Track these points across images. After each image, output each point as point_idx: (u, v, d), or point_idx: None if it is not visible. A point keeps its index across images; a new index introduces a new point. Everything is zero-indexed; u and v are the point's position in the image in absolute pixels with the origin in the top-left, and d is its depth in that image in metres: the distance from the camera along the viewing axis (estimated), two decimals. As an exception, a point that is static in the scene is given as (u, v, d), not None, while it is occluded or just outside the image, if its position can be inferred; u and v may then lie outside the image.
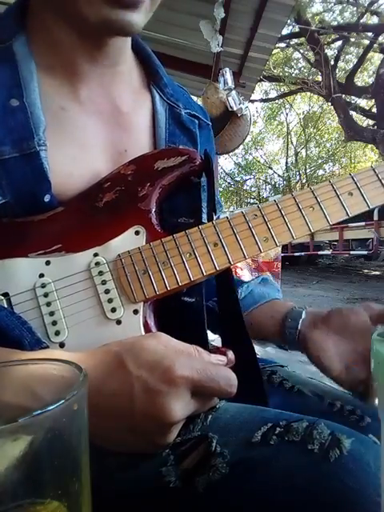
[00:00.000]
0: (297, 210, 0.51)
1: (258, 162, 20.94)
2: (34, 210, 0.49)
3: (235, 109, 2.81)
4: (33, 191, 0.48)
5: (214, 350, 0.48)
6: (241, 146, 3.23)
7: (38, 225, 0.49)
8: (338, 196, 0.51)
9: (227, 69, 2.98)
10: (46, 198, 0.48)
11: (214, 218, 0.57)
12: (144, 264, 0.48)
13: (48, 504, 0.21)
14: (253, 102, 13.58)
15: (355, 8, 9.75)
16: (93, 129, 0.55)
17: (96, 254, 0.49)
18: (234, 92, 2.84)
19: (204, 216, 0.57)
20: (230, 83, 2.94)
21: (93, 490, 0.25)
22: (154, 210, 0.51)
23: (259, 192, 20.27)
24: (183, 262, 0.48)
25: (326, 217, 0.51)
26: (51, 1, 0.50)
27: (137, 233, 0.50)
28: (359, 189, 0.52)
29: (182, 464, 0.36)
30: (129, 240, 0.49)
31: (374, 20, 9.65)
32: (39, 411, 0.20)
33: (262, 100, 15.20)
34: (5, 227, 0.49)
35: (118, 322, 0.47)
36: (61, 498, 0.22)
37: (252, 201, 19.83)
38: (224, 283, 0.57)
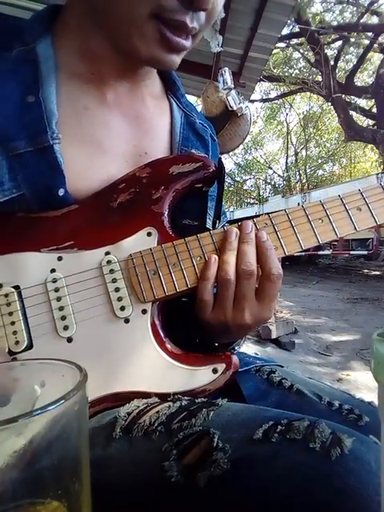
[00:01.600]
0: (306, 221, 0.52)
1: (258, 161, 20.94)
2: (49, 204, 0.50)
3: (235, 108, 2.80)
4: (47, 185, 0.49)
5: (220, 355, 0.49)
6: (241, 146, 3.23)
7: (51, 220, 0.50)
8: (347, 210, 0.53)
9: (226, 68, 2.98)
10: (60, 192, 0.49)
11: (217, 224, 0.58)
12: (155, 265, 0.49)
13: (48, 504, 0.21)
14: (253, 101, 13.58)
15: (355, 8, 9.75)
16: (115, 129, 0.57)
17: (108, 253, 0.49)
18: (233, 91, 2.84)
19: (209, 222, 0.58)
20: (230, 83, 2.94)
21: (93, 486, 0.25)
22: (166, 212, 0.52)
23: (259, 192, 20.26)
24: (194, 265, 0.49)
25: (334, 230, 0.52)
26: (94, 14, 0.53)
27: (149, 234, 0.51)
28: (368, 205, 0.53)
29: (184, 459, 0.37)
30: (141, 240, 0.50)
31: (374, 20, 9.65)
32: (39, 411, 0.20)
33: (262, 100, 15.20)
34: (19, 221, 0.49)
35: (127, 320, 0.48)
36: (61, 498, 0.22)
37: (252, 201, 19.82)
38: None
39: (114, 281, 0.48)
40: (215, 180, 0.57)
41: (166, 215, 0.52)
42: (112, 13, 0.49)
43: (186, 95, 0.70)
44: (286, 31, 9.87)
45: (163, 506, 0.37)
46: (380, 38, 9.18)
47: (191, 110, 0.68)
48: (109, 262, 0.49)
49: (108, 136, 0.56)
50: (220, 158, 0.58)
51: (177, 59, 0.53)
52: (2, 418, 0.19)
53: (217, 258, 0.49)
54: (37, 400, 0.27)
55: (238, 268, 0.49)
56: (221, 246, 0.50)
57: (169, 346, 0.49)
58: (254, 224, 0.51)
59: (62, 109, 0.52)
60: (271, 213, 0.53)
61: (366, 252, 9.08)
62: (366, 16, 9.53)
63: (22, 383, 0.29)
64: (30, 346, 0.46)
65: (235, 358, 0.48)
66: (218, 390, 0.47)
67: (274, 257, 0.50)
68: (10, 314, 0.46)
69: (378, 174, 7.38)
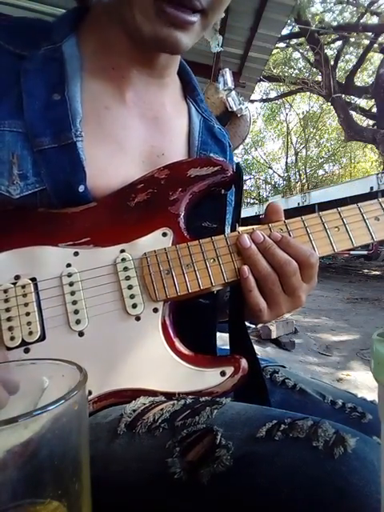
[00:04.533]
0: (322, 229, 0.51)
1: (258, 161, 20.95)
2: (69, 199, 0.51)
3: (235, 109, 2.80)
4: (68, 180, 0.50)
5: (229, 358, 0.49)
6: (241, 146, 3.22)
7: (70, 217, 0.51)
8: (365, 220, 0.52)
9: (227, 69, 2.98)
10: (81, 189, 0.51)
11: (237, 228, 0.58)
12: (168, 265, 0.49)
13: (48, 504, 0.21)
14: (253, 102, 13.58)
15: (355, 8, 9.74)
16: (134, 130, 0.58)
17: (123, 251, 0.50)
18: (233, 92, 2.83)
19: (228, 226, 0.59)
20: (230, 83, 2.93)
21: (94, 482, 0.25)
22: (182, 214, 0.53)
23: (259, 192, 20.28)
24: (207, 267, 0.50)
25: (350, 239, 0.52)
26: (110, 8, 0.55)
27: (164, 234, 0.51)
28: None
29: (187, 456, 0.37)
30: (156, 240, 0.51)
31: (374, 20, 9.65)
32: (39, 411, 0.20)
33: (261, 100, 15.21)
34: (39, 216, 0.51)
35: (138, 318, 0.48)
36: (61, 498, 0.22)
37: (252, 201, 19.83)
38: (237, 291, 0.56)
39: (128, 278, 0.49)
40: (233, 184, 0.57)
41: (182, 217, 0.53)
42: (120, 1, 0.51)
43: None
44: (286, 31, 9.88)
45: (166, 503, 0.37)
46: (380, 38, 9.18)
47: (209, 114, 0.68)
48: (123, 259, 0.49)
49: (127, 136, 0.57)
50: (238, 163, 0.58)
51: (183, 38, 0.52)
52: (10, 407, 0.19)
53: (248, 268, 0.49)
54: (44, 391, 0.27)
55: (276, 265, 0.49)
56: (244, 252, 0.50)
57: (178, 345, 0.49)
58: (270, 229, 0.51)
59: (84, 108, 0.53)
60: (287, 219, 0.52)
61: (365, 252, 9.08)
62: (365, 16, 9.53)
63: (23, 382, 0.29)
64: (42, 338, 0.47)
65: (244, 362, 0.47)
66: (227, 394, 0.46)
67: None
68: (26, 304, 0.47)
69: (378, 174, 7.38)
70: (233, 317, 0.56)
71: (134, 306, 0.48)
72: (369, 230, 0.52)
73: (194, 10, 0.51)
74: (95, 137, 0.54)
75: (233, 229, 0.57)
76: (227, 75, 2.94)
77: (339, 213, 0.52)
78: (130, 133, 0.57)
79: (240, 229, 0.52)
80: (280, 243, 0.50)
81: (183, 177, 0.54)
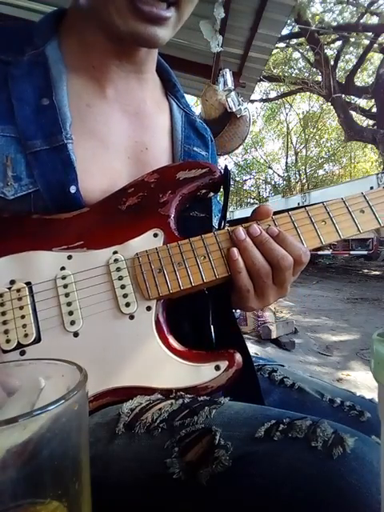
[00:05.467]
0: (309, 223, 0.53)
1: (258, 161, 20.94)
2: (61, 201, 0.52)
3: (234, 110, 2.80)
4: (60, 181, 0.52)
5: (223, 353, 0.49)
6: (240, 146, 3.22)
7: (63, 222, 0.52)
8: (350, 213, 0.53)
9: (227, 70, 2.98)
10: (72, 189, 0.52)
11: (223, 225, 0.59)
12: (160, 263, 0.50)
13: (48, 504, 0.21)
14: (253, 101, 13.58)
15: (355, 8, 9.74)
16: (117, 125, 0.59)
17: (115, 252, 0.51)
18: (233, 93, 2.83)
19: (215, 217, 0.60)
20: (230, 84, 2.93)
21: (94, 482, 0.25)
22: (173, 215, 0.54)
23: (259, 192, 20.27)
24: (197, 263, 0.51)
25: (337, 231, 0.53)
26: (85, 7, 0.55)
27: (155, 235, 0.52)
28: (371, 207, 0.54)
29: (186, 456, 0.37)
30: (147, 241, 0.52)
31: (374, 20, 9.65)
32: (39, 411, 0.20)
33: (261, 100, 15.20)
34: (34, 222, 0.52)
35: (131, 316, 0.49)
36: (61, 498, 0.22)
37: (252, 201, 19.83)
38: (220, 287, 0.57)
39: (121, 278, 0.50)
40: (221, 186, 0.58)
41: (172, 218, 0.54)
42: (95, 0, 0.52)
43: (186, 95, 0.72)
44: (286, 31, 9.88)
45: (165, 503, 0.37)
46: (380, 38, 9.18)
47: (190, 109, 0.69)
48: (116, 260, 0.51)
49: (110, 132, 0.58)
50: (226, 166, 0.59)
51: (159, 32, 0.52)
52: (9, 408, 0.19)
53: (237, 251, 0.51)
54: (41, 392, 0.27)
55: (273, 261, 0.50)
56: (240, 246, 0.51)
57: (172, 342, 0.50)
58: (258, 226, 0.52)
59: (70, 109, 0.54)
60: (274, 215, 0.53)
61: (365, 252, 9.08)
62: (365, 16, 9.53)
63: (23, 382, 0.29)
64: (38, 339, 0.48)
65: (238, 356, 0.48)
66: (222, 389, 0.47)
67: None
68: (21, 308, 0.48)
69: (378, 174, 7.37)
70: (218, 308, 0.56)
71: (128, 304, 0.49)
72: (354, 222, 0.53)
73: (168, 2, 0.51)
74: (79, 135, 0.55)
75: (220, 225, 0.59)
76: (227, 76, 2.94)
77: (325, 207, 0.53)
78: (113, 128, 0.58)
79: (228, 228, 0.53)
80: (276, 238, 0.51)
81: (172, 180, 0.55)
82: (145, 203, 0.54)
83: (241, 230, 0.51)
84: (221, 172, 0.57)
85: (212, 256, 0.51)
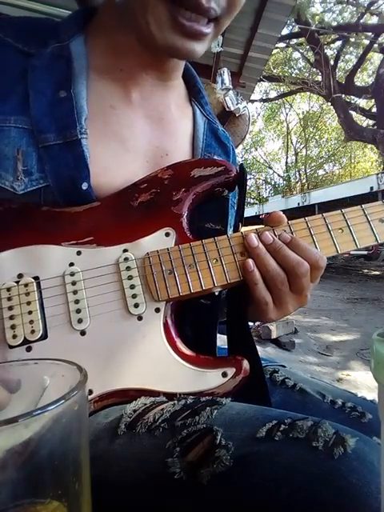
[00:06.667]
0: (326, 230, 0.51)
1: (258, 161, 20.95)
2: (72, 197, 0.51)
3: (233, 109, 2.80)
4: (72, 177, 0.50)
5: (231, 359, 0.48)
6: (240, 146, 3.22)
7: (73, 216, 0.51)
8: (369, 222, 0.52)
9: (225, 69, 2.98)
10: (84, 186, 0.51)
11: (240, 228, 0.58)
12: (171, 265, 0.49)
13: (48, 504, 0.21)
14: (253, 101, 13.58)
15: (355, 8, 9.74)
16: (139, 130, 0.58)
17: (125, 250, 0.50)
18: (231, 92, 2.83)
19: (230, 228, 0.59)
20: (228, 83, 2.93)
21: (94, 482, 0.25)
22: (185, 214, 0.53)
23: (259, 192, 20.27)
24: (209, 267, 0.49)
25: (354, 240, 0.51)
26: (120, 11, 0.54)
27: (167, 234, 0.51)
28: None
29: (187, 456, 0.37)
30: (158, 240, 0.51)
31: (374, 20, 9.65)
32: (39, 411, 0.20)
33: (261, 100, 15.21)
34: (43, 215, 0.51)
35: (140, 317, 0.48)
36: (61, 498, 0.22)
37: (252, 201, 19.83)
38: (236, 291, 0.56)
39: (130, 278, 0.49)
40: (236, 185, 0.57)
41: (184, 217, 0.52)
42: (133, 5, 0.51)
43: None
44: (286, 31, 9.89)
45: (166, 503, 0.37)
46: (380, 38, 9.18)
47: (213, 118, 0.69)
48: (126, 259, 0.49)
49: (131, 135, 0.57)
50: (242, 164, 0.58)
51: (196, 47, 0.52)
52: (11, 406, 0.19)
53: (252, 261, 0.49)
54: (45, 390, 0.27)
55: (287, 267, 0.49)
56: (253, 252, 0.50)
57: (180, 346, 0.49)
58: (273, 231, 0.51)
59: (90, 106, 0.53)
60: (291, 221, 0.52)
61: (365, 252, 9.08)
62: (365, 16, 9.53)
63: (24, 381, 0.29)
64: (44, 336, 0.47)
65: (246, 363, 0.47)
66: (228, 395, 0.46)
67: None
68: (28, 303, 0.47)
69: (378, 174, 7.37)
70: (233, 316, 0.56)
71: (136, 305, 0.48)
72: (373, 232, 0.51)
73: (209, 18, 0.50)
74: (100, 135, 0.54)
75: (236, 229, 0.57)
76: (225, 75, 2.94)
77: (343, 214, 0.52)
78: (135, 132, 0.58)
79: (243, 229, 0.52)
80: (289, 244, 0.49)
81: (187, 177, 0.53)
82: (157, 200, 0.52)
83: (253, 237, 0.50)
84: (237, 171, 0.55)
85: (224, 260, 0.50)
